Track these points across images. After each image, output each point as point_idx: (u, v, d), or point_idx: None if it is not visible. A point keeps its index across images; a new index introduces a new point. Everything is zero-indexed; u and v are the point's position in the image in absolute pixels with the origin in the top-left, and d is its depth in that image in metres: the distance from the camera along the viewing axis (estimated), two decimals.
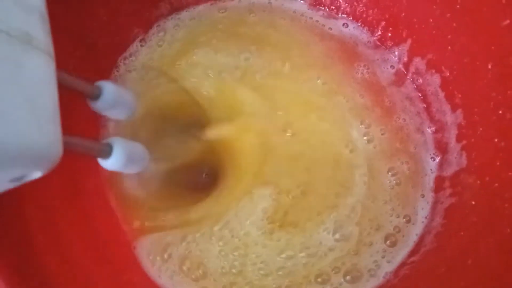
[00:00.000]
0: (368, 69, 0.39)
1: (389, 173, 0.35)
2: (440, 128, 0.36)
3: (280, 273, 0.33)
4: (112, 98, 0.26)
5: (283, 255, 0.33)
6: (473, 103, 0.34)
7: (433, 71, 0.37)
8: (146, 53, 0.39)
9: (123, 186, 0.33)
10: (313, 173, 0.34)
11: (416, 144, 0.36)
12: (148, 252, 0.34)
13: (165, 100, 0.35)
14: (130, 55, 0.39)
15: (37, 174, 0.19)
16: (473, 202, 0.31)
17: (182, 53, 0.39)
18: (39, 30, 0.19)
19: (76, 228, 0.31)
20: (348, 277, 0.32)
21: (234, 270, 0.33)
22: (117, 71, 0.38)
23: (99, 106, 0.26)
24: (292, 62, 0.38)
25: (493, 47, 0.31)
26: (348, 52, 0.39)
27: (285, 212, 0.34)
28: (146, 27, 0.40)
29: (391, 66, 0.39)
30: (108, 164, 0.25)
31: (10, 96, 0.17)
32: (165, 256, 0.33)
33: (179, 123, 0.34)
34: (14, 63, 0.17)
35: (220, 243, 0.33)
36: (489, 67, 0.32)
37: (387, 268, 0.33)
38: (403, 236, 0.33)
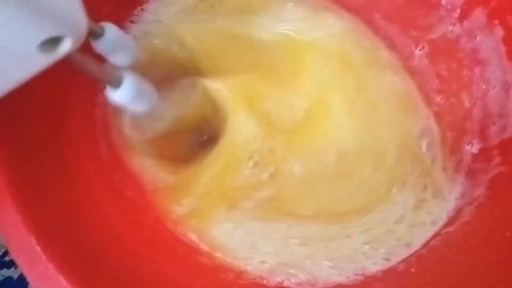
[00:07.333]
0: None
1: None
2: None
3: None
4: (114, 39, 0.26)
5: None
6: None
7: (496, 21, 0.32)
8: None
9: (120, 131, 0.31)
10: None
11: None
12: None
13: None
14: None
15: (66, 44, 0.18)
16: None
17: None
18: None
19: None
20: None
21: None
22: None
23: (101, 45, 0.26)
24: None
25: None
26: None
27: None
28: None
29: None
30: (117, 95, 0.24)
31: None
32: None
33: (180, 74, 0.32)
34: None
35: None
36: None
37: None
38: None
